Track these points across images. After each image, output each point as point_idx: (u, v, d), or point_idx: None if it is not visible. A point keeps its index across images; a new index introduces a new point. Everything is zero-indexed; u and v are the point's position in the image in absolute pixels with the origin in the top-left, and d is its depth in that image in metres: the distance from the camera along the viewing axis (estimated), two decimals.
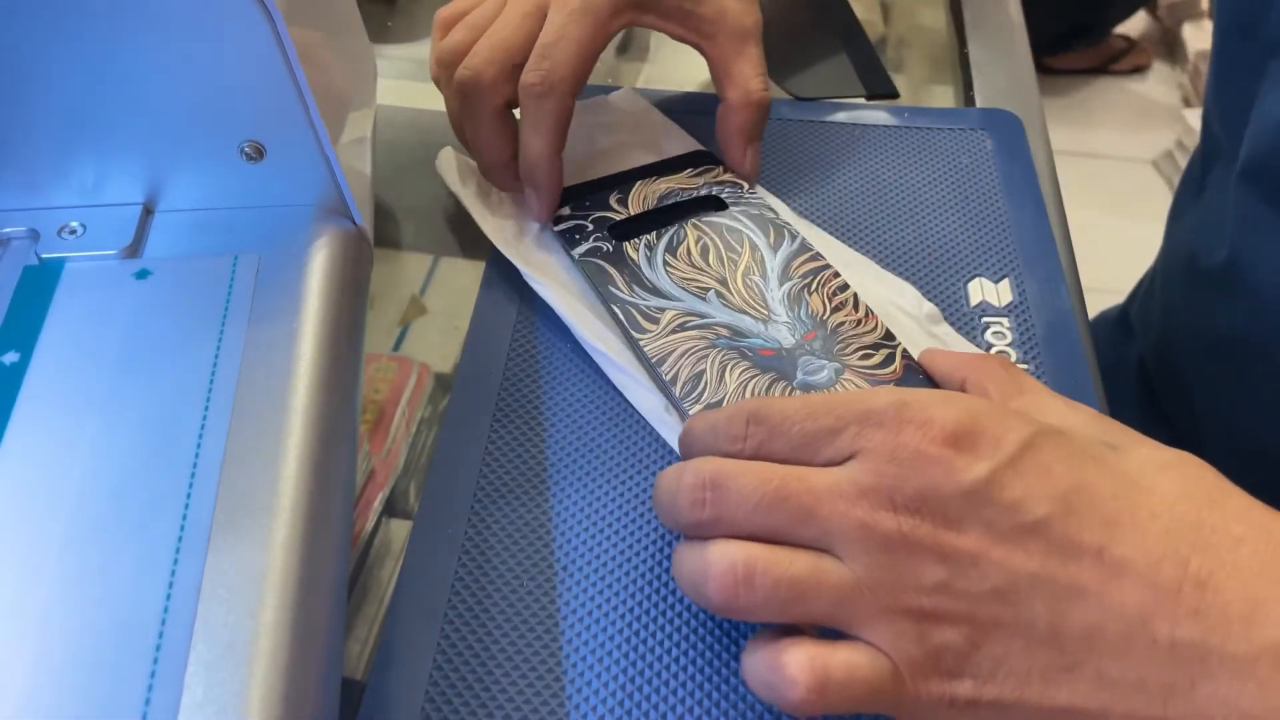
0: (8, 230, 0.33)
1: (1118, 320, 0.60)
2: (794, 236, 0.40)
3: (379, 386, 0.39)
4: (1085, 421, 0.29)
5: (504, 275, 0.40)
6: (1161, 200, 1.79)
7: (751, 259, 0.39)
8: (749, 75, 0.41)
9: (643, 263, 0.39)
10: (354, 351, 0.33)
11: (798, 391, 0.34)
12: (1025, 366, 0.37)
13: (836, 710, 0.25)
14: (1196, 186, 0.51)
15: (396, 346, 0.40)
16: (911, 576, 0.25)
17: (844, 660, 0.25)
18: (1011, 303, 0.40)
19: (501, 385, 0.36)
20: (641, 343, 0.36)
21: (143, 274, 0.32)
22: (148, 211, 0.34)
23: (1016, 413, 0.27)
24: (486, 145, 0.40)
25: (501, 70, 0.39)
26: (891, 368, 0.35)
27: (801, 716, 0.28)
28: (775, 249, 0.39)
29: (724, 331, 0.36)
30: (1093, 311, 0.41)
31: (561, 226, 0.40)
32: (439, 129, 0.44)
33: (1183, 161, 1.78)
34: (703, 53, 0.42)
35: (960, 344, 0.38)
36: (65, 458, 0.28)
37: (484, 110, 0.39)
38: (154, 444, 0.28)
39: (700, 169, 0.43)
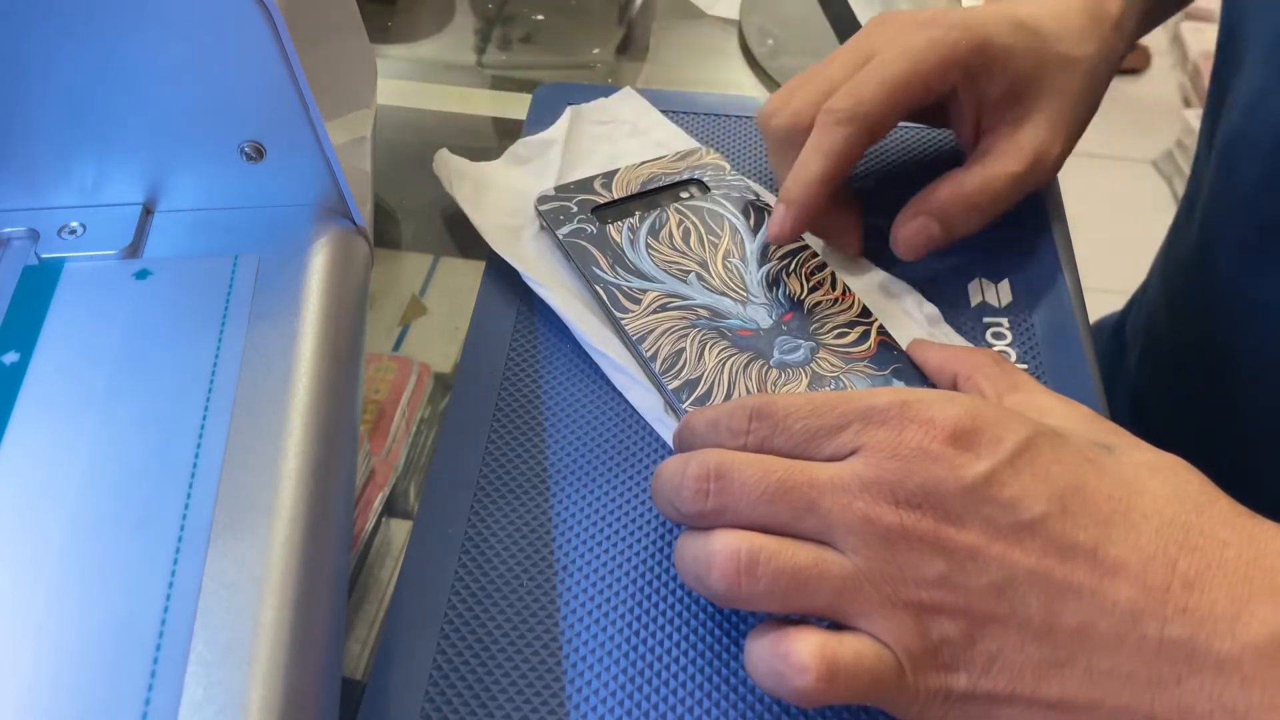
0: (8, 230, 0.33)
1: (1115, 329, 0.60)
2: None
3: (379, 386, 0.39)
4: (1080, 421, 0.29)
5: (504, 275, 0.40)
6: (1162, 200, 1.79)
7: (731, 242, 0.40)
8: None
9: (625, 245, 0.39)
10: (354, 351, 0.33)
11: (774, 370, 0.35)
12: (1025, 366, 0.37)
13: (840, 700, 0.25)
14: (1186, 215, 0.51)
15: (396, 346, 0.40)
16: (912, 570, 0.25)
17: (852, 649, 0.25)
18: (1011, 303, 0.40)
19: (501, 385, 0.36)
20: (623, 322, 0.36)
21: (143, 274, 0.32)
22: (148, 211, 0.34)
23: (1016, 413, 0.28)
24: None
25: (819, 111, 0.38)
26: (865, 345, 0.36)
27: (805, 706, 0.28)
28: (755, 231, 0.40)
29: (704, 312, 0.37)
30: (1092, 311, 0.41)
31: (546, 207, 0.41)
32: (439, 129, 0.44)
33: (1183, 161, 1.78)
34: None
35: (960, 345, 0.38)
36: (65, 458, 0.28)
37: (796, 152, 0.38)
38: (154, 444, 0.28)
39: (683, 153, 0.44)
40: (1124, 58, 0.44)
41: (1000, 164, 0.39)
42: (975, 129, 0.41)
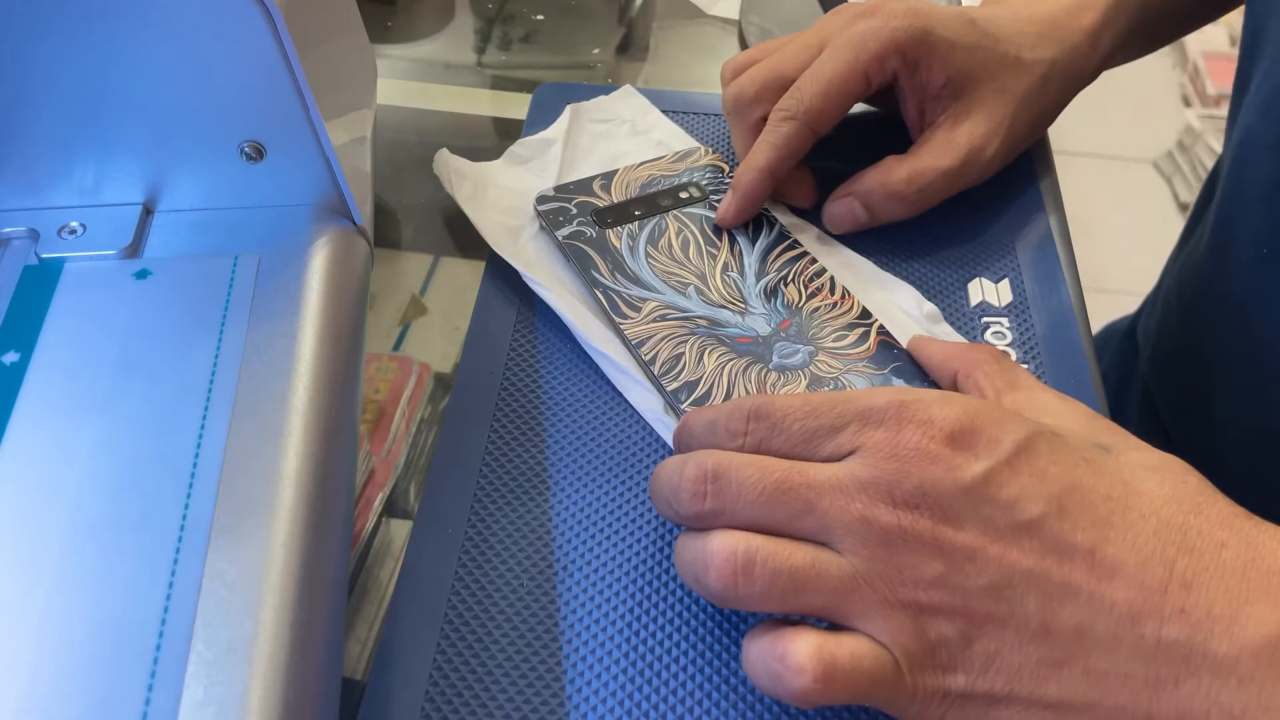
0: (8, 230, 0.33)
1: (1127, 332, 0.60)
2: (772, 224, 0.41)
3: (379, 386, 0.39)
4: (1078, 420, 0.29)
5: (504, 275, 0.40)
6: (1162, 200, 1.79)
7: (730, 254, 0.40)
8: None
9: (625, 251, 0.39)
10: (354, 351, 0.33)
11: (773, 373, 0.35)
12: (1025, 366, 0.37)
13: (837, 701, 0.25)
14: (1199, 214, 0.51)
15: (396, 346, 0.40)
16: (909, 570, 0.26)
17: (849, 650, 0.25)
18: (1011, 303, 0.40)
19: (501, 385, 0.36)
20: (623, 327, 0.37)
21: (143, 274, 0.32)
22: (148, 211, 0.34)
23: (1014, 414, 0.28)
24: (742, 156, 0.42)
25: (762, 90, 0.41)
26: (864, 346, 0.36)
27: (802, 707, 0.28)
28: (754, 240, 0.40)
29: (703, 323, 0.37)
30: (1093, 311, 0.41)
31: (545, 208, 0.41)
32: (439, 129, 0.44)
33: (1183, 161, 1.78)
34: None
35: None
36: (65, 458, 0.28)
37: (742, 123, 0.42)
38: (154, 444, 0.28)
39: (682, 153, 0.44)
40: (1100, 70, 0.45)
41: (931, 159, 0.41)
42: (920, 118, 0.42)
